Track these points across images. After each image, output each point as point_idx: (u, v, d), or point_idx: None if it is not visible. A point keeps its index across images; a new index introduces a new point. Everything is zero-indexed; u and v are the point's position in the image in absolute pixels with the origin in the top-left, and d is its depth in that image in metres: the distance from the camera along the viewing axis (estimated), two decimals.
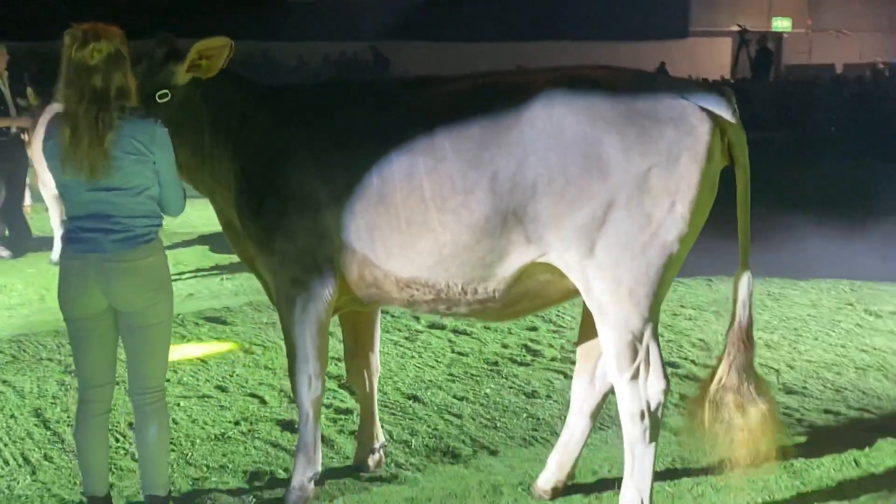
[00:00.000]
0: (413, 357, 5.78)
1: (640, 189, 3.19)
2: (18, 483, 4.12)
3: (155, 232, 3.49)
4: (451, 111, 3.42)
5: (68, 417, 4.86)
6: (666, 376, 3.36)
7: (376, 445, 4.19)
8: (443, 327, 6.39)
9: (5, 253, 9.23)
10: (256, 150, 3.76)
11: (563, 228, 3.26)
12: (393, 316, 6.68)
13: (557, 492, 3.81)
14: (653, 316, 3.30)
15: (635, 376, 3.33)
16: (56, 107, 8.47)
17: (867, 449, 4.29)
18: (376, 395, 4.24)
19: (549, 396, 5.11)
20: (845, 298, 7.18)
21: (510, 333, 6.23)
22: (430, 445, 4.48)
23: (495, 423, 4.73)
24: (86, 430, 3.57)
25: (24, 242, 9.49)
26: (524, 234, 3.32)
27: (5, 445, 4.53)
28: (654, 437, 3.39)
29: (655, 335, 3.33)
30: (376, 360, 4.18)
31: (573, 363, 5.57)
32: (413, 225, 3.40)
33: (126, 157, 3.31)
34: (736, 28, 20.70)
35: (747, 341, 3.38)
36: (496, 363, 5.66)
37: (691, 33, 37.37)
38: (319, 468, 3.90)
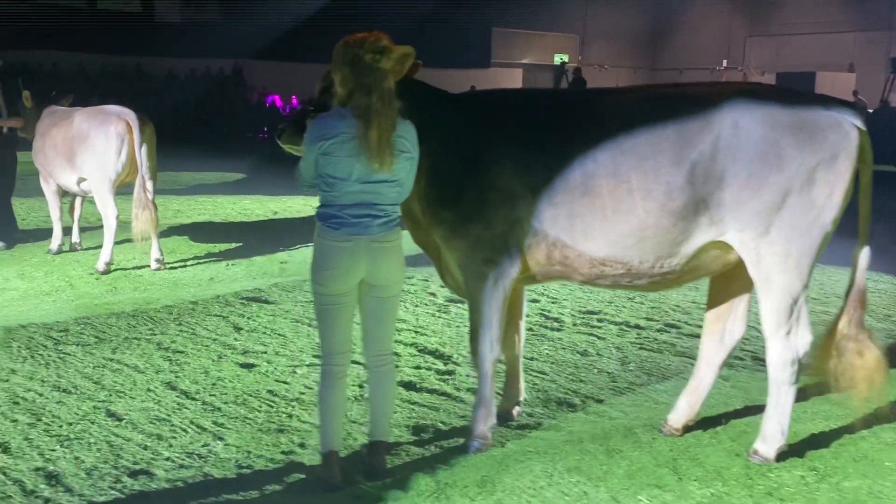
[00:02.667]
0: (460, 326, 5.72)
1: (808, 180, 3.34)
2: (215, 448, 3.78)
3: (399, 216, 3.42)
4: (643, 117, 3.45)
5: (203, 389, 4.50)
6: (811, 331, 3.54)
7: (521, 399, 4.16)
8: (462, 301, 6.35)
9: (0, 244, 8.33)
10: (451, 148, 3.64)
11: (744, 212, 3.37)
12: (409, 292, 6.57)
13: (686, 429, 3.91)
14: (808, 283, 3.47)
15: (789, 332, 3.47)
16: (54, 108, 7.83)
17: None
18: (521, 356, 4.20)
19: (599, 354, 5.18)
20: None
21: None
22: (541, 398, 4.44)
23: (579, 378, 4.76)
24: (332, 392, 3.40)
25: (11, 234, 8.59)
26: (709, 217, 3.40)
27: (168, 416, 4.13)
28: (797, 381, 3.55)
29: (806, 298, 3.51)
30: (523, 326, 4.13)
31: (591, 326, 5.80)
32: (619, 213, 3.41)
33: (400, 154, 3.25)
34: (559, 61, 21.48)
35: (862, 301, 3.61)
36: (531, 329, 5.68)
37: (492, 64, 38.91)
38: (495, 419, 3.84)
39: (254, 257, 8.05)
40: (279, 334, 5.50)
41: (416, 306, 6.25)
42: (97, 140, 7.13)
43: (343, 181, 3.23)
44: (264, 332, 5.53)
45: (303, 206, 11.83)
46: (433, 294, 6.59)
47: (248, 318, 5.89)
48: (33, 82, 26.55)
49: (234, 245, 8.65)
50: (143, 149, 7.18)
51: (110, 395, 4.37)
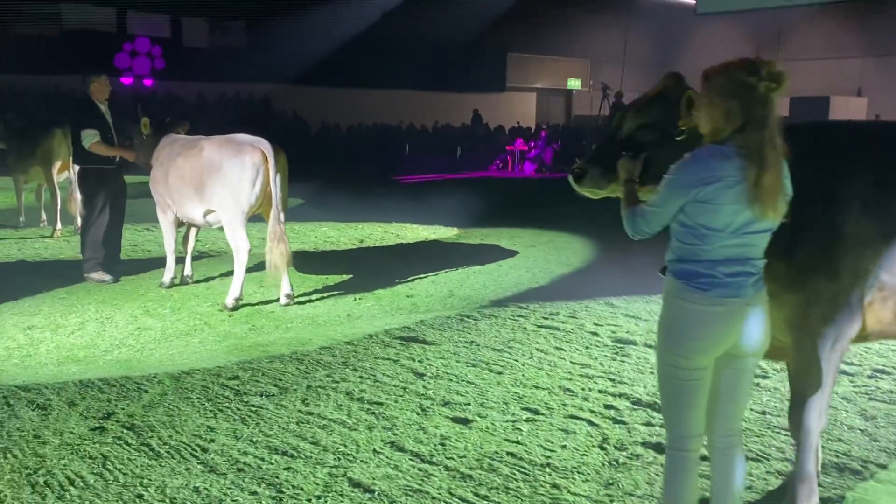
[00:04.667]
0: (653, 371, 5.18)
1: None
2: None
3: None
4: None
5: (434, 450, 3.96)
6: None
7: (818, 469, 3.63)
8: (634, 342, 5.85)
9: (107, 277, 7.80)
10: None
11: None
12: (565, 330, 6.08)
13: None
14: None
15: None
16: (175, 137, 7.34)
17: None
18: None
19: (833, 407, 4.63)
20: None
21: None
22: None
23: (834, 436, 4.20)
24: (687, 482, 2.84)
25: (116, 266, 8.06)
26: None
27: (420, 485, 3.57)
28: None
29: None
30: None
31: None
32: None
33: (785, 198, 2.70)
34: (600, 85, 21.22)
35: None
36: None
37: (507, 88, 39.04)
38: (818, 498, 3.32)
39: (375, 290, 7.53)
40: (467, 381, 4.97)
41: (587, 347, 5.73)
42: (231, 170, 6.62)
43: (719, 233, 2.67)
44: (449, 379, 5.01)
45: (384, 233, 11.36)
46: (594, 333, 6.09)
47: (420, 361, 5.37)
48: (70, 107, 26.19)
49: (344, 276, 8.14)
50: (277, 179, 6.69)
51: (339, 459, 3.83)
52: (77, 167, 8.14)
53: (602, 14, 37.65)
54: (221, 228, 7.14)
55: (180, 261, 7.76)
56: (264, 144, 6.70)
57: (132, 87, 27.85)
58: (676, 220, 2.74)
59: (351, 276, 8.18)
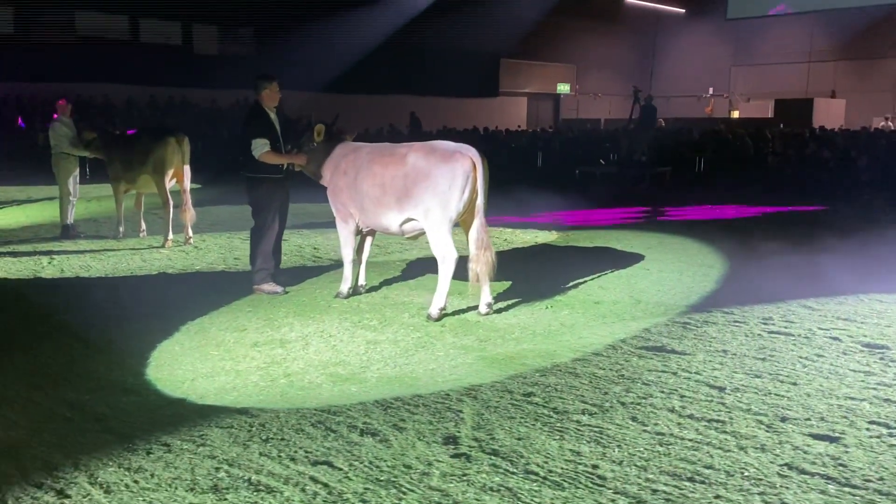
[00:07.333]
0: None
1: None
2: None
3: None
4: None
5: (840, 472, 3.62)
6: None
7: None
8: (887, 345, 5.57)
9: (279, 289, 7.31)
10: None
11: None
12: (833, 339, 5.77)
13: None
14: None
15: None
16: (357, 144, 6.93)
17: None
18: None
19: None
20: None
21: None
22: None
23: None
24: None
25: (278, 276, 7.57)
26: None
27: None
28: None
29: None
30: None
31: None
32: None
33: None
34: (632, 89, 21.00)
35: None
36: None
37: (500, 93, 39.07)
38: None
39: (554, 297, 7.12)
40: (774, 394, 4.61)
41: (845, 353, 5.41)
42: (441, 178, 6.17)
43: None
44: (753, 392, 4.65)
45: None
46: (834, 338, 5.77)
47: (697, 372, 5.01)
48: (86, 114, 25.32)
49: (504, 284, 7.63)
50: (483, 186, 6.28)
51: (756, 484, 3.45)
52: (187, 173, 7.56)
53: (588, 22, 37.75)
54: (415, 237, 6.73)
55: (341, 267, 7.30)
56: (472, 152, 6.29)
57: None
58: None
59: (510, 282, 7.76)
